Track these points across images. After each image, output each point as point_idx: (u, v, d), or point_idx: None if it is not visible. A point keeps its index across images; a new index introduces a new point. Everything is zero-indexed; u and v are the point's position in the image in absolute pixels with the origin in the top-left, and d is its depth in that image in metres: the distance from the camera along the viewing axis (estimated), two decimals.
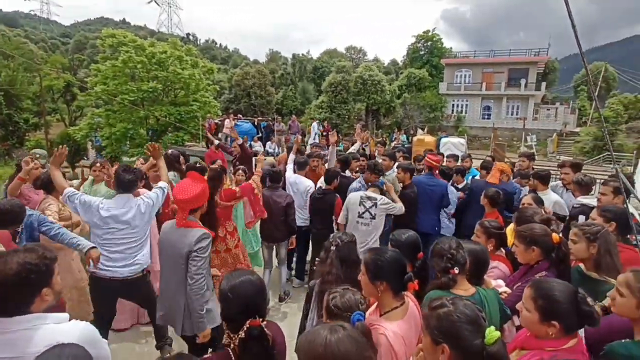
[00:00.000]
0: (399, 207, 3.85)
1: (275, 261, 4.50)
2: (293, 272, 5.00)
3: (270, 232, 4.18)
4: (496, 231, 2.58)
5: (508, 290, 2.22)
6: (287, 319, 4.02)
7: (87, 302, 3.19)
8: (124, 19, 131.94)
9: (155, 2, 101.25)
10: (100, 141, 15.26)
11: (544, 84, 28.29)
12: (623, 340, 1.50)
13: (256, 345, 1.39)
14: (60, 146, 2.88)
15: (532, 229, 2.24)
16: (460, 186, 5.07)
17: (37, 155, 4.15)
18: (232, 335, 1.40)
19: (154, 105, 15.45)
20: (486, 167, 5.18)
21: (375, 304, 1.76)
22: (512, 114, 27.99)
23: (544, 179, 3.96)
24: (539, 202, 3.31)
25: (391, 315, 1.62)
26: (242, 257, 3.69)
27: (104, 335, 2.81)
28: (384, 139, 14.06)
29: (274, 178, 4.22)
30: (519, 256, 2.29)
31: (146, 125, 15.67)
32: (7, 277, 1.29)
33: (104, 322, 2.80)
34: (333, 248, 2.11)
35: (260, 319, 1.41)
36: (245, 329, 1.37)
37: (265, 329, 1.41)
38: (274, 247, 4.34)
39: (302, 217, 4.57)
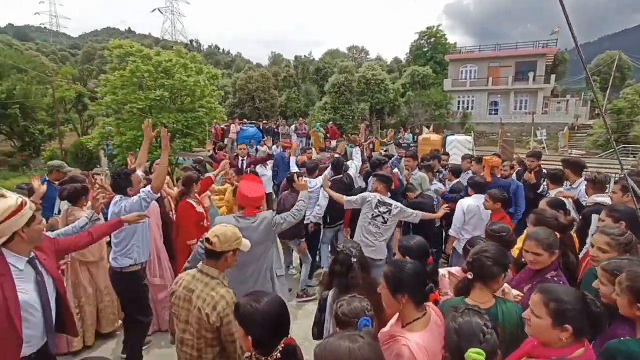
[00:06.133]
0: (415, 215, 3.80)
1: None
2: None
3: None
4: (496, 235, 2.57)
5: (517, 292, 2.20)
6: (301, 319, 4.02)
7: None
8: (129, 28, 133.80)
9: (159, 10, 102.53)
10: (112, 150, 15.53)
11: (553, 77, 27.82)
12: (622, 338, 1.50)
13: None
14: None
15: (551, 235, 2.18)
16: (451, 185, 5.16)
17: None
18: (261, 358, 1.41)
19: (162, 113, 15.64)
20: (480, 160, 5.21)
21: (397, 315, 1.76)
22: (520, 109, 27.59)
23: (554, 178, 3.97)
24: (557, 206, 3.14)
25: (414, 326, 1.62)
26: None
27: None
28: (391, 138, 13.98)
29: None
30: (539, 263, 2.18)
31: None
32: None
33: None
34: (354, 260, 2.11)
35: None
36: (280, 349, 1.40)
37: (297, 346, 1.46)
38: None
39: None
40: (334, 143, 12.97)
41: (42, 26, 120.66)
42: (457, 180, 5.05)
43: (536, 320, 1.47)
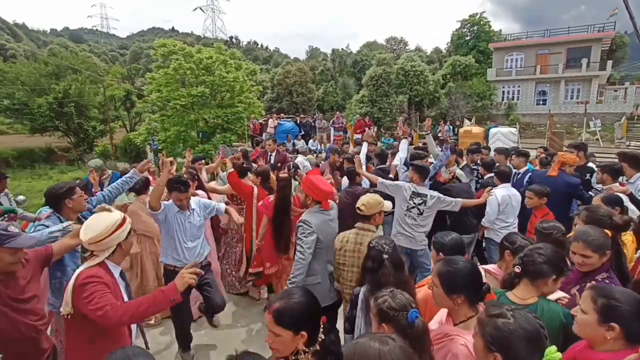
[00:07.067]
0: (455, 204, 3.69)
1: None
2: None
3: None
4: (544, 232, 2.45)
5: (564, 294, 2.11)
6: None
7: None
8: (172, 27, 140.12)
9: (200, 9, 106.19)
10: (157, 145, 16.40)
11: (609, 63, 25.46)
12: None
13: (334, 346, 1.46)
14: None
15: (601, 235, 2.04)
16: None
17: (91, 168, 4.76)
18: (306, 350, 1.41)
19: (203, 108, 16.31)
20: (524, 154, 4.96)
21: (444, 312, 1.73)
22: (571, 98, 25.66)
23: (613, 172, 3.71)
24: (613, 202, 2.89)
25: (468, 324, 1.56)
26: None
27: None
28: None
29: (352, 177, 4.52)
30: (588, 265, 2.03)
31: (196, 128, 16.62)
32: None
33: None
34: (386, 257, 2.08)
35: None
36: (322, 329, 1.43)
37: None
38: None
39: None
40: (357, 136, 12.69)
41: (94, 28, 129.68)
42: (489, 175, 4.87)
43: (582, 316, 1.40)
